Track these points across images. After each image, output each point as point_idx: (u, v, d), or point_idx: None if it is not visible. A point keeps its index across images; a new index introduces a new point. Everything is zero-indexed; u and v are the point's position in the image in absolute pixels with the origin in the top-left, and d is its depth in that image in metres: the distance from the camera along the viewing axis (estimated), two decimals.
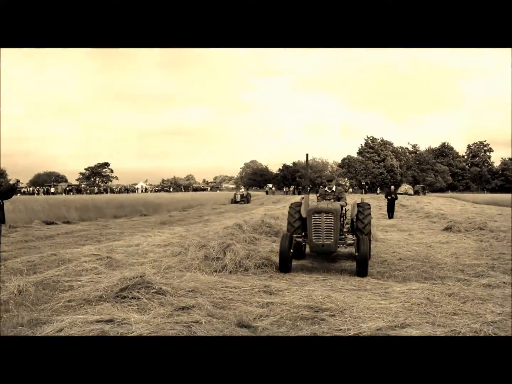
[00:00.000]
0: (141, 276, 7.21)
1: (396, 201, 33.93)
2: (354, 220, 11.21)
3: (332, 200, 10.63)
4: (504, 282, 8.37)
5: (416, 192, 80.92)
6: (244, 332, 5.42)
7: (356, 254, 9.31)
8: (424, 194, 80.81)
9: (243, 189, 59.27)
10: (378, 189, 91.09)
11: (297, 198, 11.41)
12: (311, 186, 78.52)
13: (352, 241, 9.99)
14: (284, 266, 9.24)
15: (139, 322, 5.70)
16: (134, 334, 4.76)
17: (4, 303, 6.70)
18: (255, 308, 6.50)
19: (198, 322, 5.71)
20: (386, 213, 28.60)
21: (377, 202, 47.99)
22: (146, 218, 25.96)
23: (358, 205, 11.22)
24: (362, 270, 9.02)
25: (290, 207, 11.14)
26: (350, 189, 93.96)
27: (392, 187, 30.16)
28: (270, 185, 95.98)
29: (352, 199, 12.99)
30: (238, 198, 48.21)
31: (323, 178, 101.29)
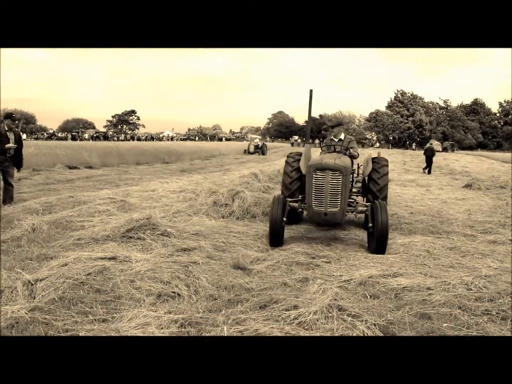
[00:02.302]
0: (147, 218, 7.42)
1: (421, 157, 33.64)
2: (367, 179, 9.12)
3: (340, 153, 8.29)
4: (510, 240, 8.32)
5: (445, 149, 79.18)
6: (238, 274, 5.64)
7: (370, 225, 7.11)
8: (453, 151, 79.12)
9: (257, 139, 53.59)
10: (414, 144, 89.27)
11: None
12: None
13: (365, 208, 7.58)
14: (275, 240, 7.12)
15: (139, 260, 5.96)
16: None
17: (17, 239, 7.02)
18: (254, 252, 6.67)
19: (195, 262, 5.95)
20: (410, 168, 28.71)
21: (402, 157, 47.43)
22: (167, 165, 26.24)
23: (373, 160, 9.10)
24: (380, 248, 6.89)
25: (287, 159, 9.06)
26: (377, 144, 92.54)
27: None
28: (296, 137, 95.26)
29: (367, 152, 12.03)
30: (252, 149, 44.16)
31: (350, 131, 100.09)
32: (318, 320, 4.18)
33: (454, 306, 4.72)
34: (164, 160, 29.00)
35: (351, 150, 8.59)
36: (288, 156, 9.09)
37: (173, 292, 4.86)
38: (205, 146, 47.93)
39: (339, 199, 7.00)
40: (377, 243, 6.87)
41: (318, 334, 3.67)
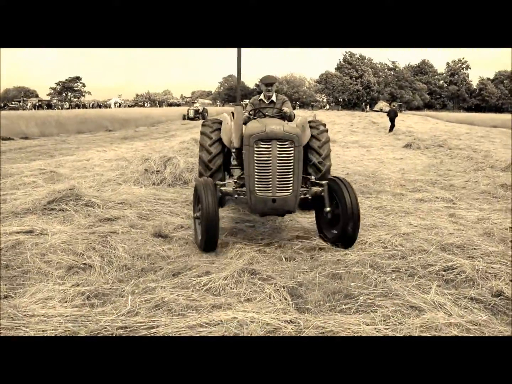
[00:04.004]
0: (70, 189, 7.17)
1: (368, 118, 34.27)
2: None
3: (274, 117, 6.37)
4: (436, 197, 8.57)
5: None
6: (157, 242, 5.54)
7: (328, 209, 5.59)
8: (400, 111, 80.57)
9: (198, 104, 50.61)
10: (368, 106, 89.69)
11: None
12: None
13: (321, 189, 5.78)
14: (211, 243, 5.21)
15: (56, 232, 5.77)
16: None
17: None
18: (179, 219, 6.58)
19: (115, 232, 5.80)
20: (356, 130, 29.58)
21: (350, 118, 47.91)
22: (110, 133, 25.56)
23: (310, 125, 7.30)
24: (350, 239, 5.46)
25: (202, 128, 7.26)
26: (327, 106, 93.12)
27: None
28: (246, 101, 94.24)
29: (300, 115, 10.13)
30: (192, 114, 41.44)
31: (301, 94, 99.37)
32: (227, 285, 4.18)
33: (366, 265, 4.81)
34: (107, 128, 28.17)
35: (286, 110, 6.72)
36: (203, 125, 7.31)
37: (84, 264, 4.73)
38: (152, 113, 46.86)
39: (291, 179, 5.34)
40: (346, 234, 5.39)
41: (310, 335, 3.53)
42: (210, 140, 6.99)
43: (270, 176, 5.29)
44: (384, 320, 3.57)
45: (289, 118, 6.77)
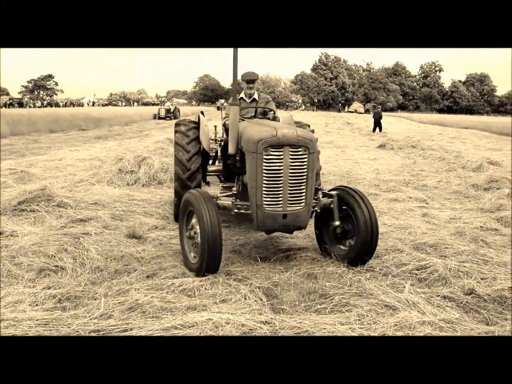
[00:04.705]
0: (42, 189, 7.03)
1: (343, 119, 34.61)
2: None
3: (263, 118, 6.26)
4: (409, 197, 8.69)
5: (367, 111, 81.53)
6: (131, 243, 5.47)
7: (337, 223, 5.03)
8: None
9: (169, 103, 51.19)
10: (346, 107, 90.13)
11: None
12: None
13: (330, 201, 5.15)
14: (213, 267, 4.46)
15: (27, 234, 5.64)
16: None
17: None
18: (153, 220, 6.51)
19: (88, 233, 5.70)
20: (330, 130, 29.77)
21: (325, 119, 48.25)
22: (83, 133, 25.15)
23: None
24: (366, 256, 4.93)
25: (177, 127, 6.55)
26: (303, 106, 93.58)
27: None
28: (222, 101, 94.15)
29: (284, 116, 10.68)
30: (163, 113, 41.79)
31: (276, 94, 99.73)
32: (202, 287, 4.14)
33: (341, 264, 4.83)
34: (80, 127, 27.70)
35: (277, 114, 6.43)
36: (177, 124, 6.61)
37: (56, 266, 4.64)
38: (126, 112, 46.37)
39: (304, 191, 4.70)
40: (363, 250, 4.85)
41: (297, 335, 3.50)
42: (188, 138, 6.30)
43: (281, 188, 4.59)
44: (359, 320, 3.60)
45: (275, 120, 6.22)
